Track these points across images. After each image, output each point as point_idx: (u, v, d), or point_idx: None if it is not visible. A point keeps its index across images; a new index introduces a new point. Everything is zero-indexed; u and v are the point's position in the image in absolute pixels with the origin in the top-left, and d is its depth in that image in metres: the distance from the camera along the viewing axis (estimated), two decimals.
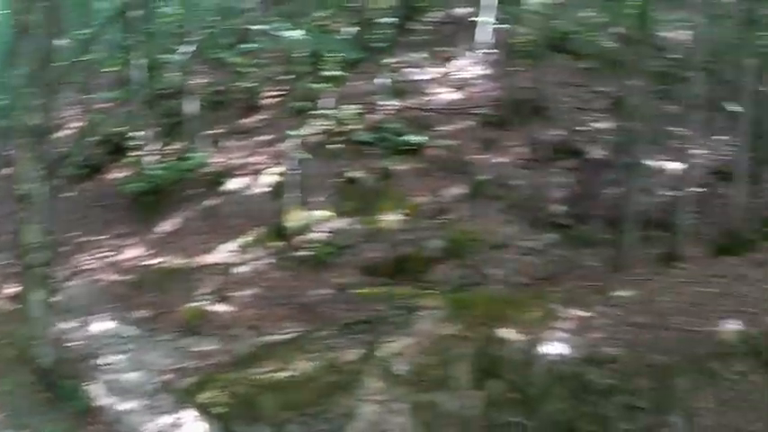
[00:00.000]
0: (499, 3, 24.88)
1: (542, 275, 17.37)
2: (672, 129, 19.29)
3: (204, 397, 13.86)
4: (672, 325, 13.65)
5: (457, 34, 25.99)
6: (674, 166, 18.75)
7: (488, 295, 16.05)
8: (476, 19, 25.30)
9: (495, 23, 24.94)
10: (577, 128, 21.42)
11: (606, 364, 13.00)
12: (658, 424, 12.34)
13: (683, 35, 21.52)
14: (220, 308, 17.07)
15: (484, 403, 13.01)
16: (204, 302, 17.20)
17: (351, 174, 20.54)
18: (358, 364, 13.66)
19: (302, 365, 13.95)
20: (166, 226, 20.38)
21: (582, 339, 13.57)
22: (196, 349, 15.79)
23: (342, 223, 19.11)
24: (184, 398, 14.00)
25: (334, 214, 19.41)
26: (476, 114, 22.45)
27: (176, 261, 18.82)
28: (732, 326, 13.48)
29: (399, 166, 20.67)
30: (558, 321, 14.04)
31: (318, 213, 19.36)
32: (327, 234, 18.83)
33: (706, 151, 19.52)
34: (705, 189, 18.66)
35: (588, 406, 12.67)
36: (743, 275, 15.12)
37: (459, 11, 27.05)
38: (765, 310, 13.80)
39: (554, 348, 13.37)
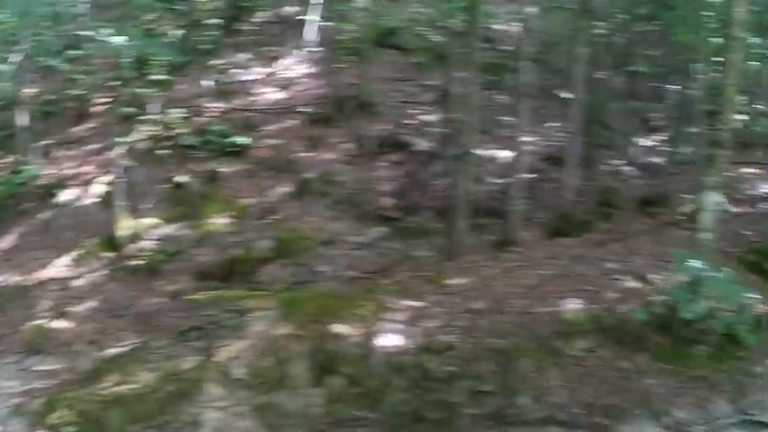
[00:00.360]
0: (326, 1, 24.30)
1: (374, 269, 16.72)
2: (502, 118, 19.25)
3: (54, 417, 12.75)
4: (510, 309, 13.49)
5: (284, 33, 25.30)
6: (505, 154, 18.65)
7: (320, 292, 15.42)
8: (303, 17, 24.63)
9: (321, 21, 24.32)
10: (404, 121, 21.03)
11: (445, 352, 12.67)
12: (507, 406, 11.96)
13: (514, 27, 21.34)
14: (61, 324, 15.76)
15: (325, 400, 12.48)
16: (45, 320, 15.87)
17: (178, 178, 19.40)
18: (197, 371, 12.90)
19: (144, 377, 13.07)
20: (2, 243, 18.80)
21: (418, 329, 13.21)
22: (42, 369, 14.62)
23: (171, 229, 18.09)
24: (36, 420, 12.95)
25: (162, 221, 18.32)
26: (301, 113, 21.70)
27: (14, 279, 17.32)
28: (573, 305, 13.36)
29: (226, 168, 19.77)
30: (391, 313, 13.63)
31: (147, 221, 18.24)
32: (157, 241, 17.77)
33: (538, 138, 19.70)
34: (538, 175, 18.61)
35: (432, 394, 12.28)
36: (580, 256, 15.16)
37: (288, 10, 26.32)
38: (605, 287, 13.84)
39: (390, 340, 12.97)
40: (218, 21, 24.50)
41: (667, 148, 19.97)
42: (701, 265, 12.40)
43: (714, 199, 13.26)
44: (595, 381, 12.10)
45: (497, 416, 11.83)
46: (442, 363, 12.50)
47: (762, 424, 11.67)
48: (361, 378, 12.57)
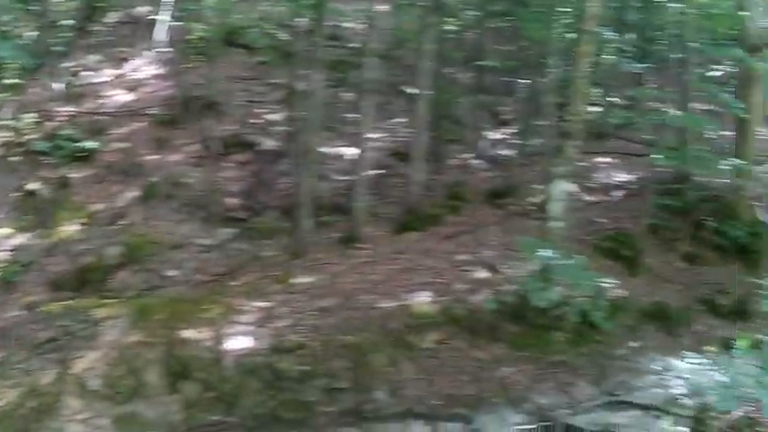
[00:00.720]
0: (177, 0, 23.46)
1: (222, 271, 16.14)
2: (348, 115, 18.91)
3: None
4: (359, 305, 13.31)
5: (135, 34, 24.38)
6: (351, 151, 18.21)
7: (170, 297, 14.94)
8: (154, 17, 23.81)
9: (172, 21, 23.45)
10: (251, 121, 20.53)
11: (296, 351, 12.49)
12: (363, 402, 11.77)
13: (363, 25, 21.02)
14: None
15: (182, 406, 12.24)
16: None
17: (30, 186, 18.55)
18: (56, 384, 12.51)
19: (6, 394, 12.53)
20: None
21: (267, 330, 13.05)
22: None
23: (23, 239, 17.22)
24: None
25: (15, 230, 17.45)
26: (149, 115, 20.89)
27: None
28: (423, 298, 13.19)
29: (76, 173, 18.91)
30: (241, 315, 13.47)
31: (0, 231, 17.37)
32: (11, 252, 16.87)
33: (384, 134, 19.45)
34: (384, 171, 18.44)
35: (286, 394, 12.12)
36: (429, 249, 15.00)
37: (140, 10, 25.32)
38: (455, 279, 13.74)
39: (240, 342, 12.72)
40: (72, 22, 23.70)
41: (517, 141, 19.83)
42: (551, 254, 12.25)
43: (563, 188, 13.18)
44: (451, 372, 11.95)
45: (354, 412, 11.56)
46: (295, 362, 12.28)
47: (628, 404, 11.68)
48: (215, 382, 12.39)
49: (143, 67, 23.10)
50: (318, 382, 12.03)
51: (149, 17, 24.35)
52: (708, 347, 12.32)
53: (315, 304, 13.46)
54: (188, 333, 12.99)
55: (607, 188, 18.97)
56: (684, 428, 9.48)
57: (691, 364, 9.65)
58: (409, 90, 19.00)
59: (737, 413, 9.10)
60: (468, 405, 11.43)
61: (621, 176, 19.58)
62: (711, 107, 20.98)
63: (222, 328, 13.06)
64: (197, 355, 12.59)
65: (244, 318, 13.33)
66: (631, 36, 21.78)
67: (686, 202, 17.06)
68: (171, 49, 22.99)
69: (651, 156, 15.88)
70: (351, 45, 21.98)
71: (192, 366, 12.48)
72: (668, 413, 10.63)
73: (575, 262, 12.57)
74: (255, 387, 12.25)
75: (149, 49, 23.48)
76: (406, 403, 11.55)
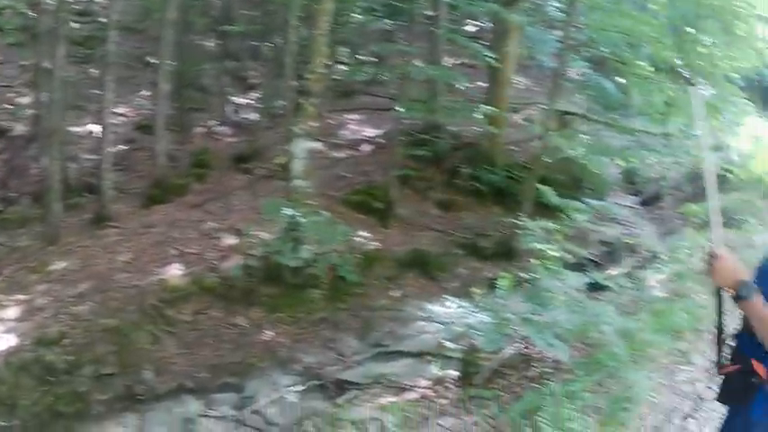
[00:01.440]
0: None
1: None
2: (95, 92, 17.97)
3: None
4: (115, 285, 12.67)
5: None
6: (99, 128, 17.36)
7: None
8: None
9: None
10: (2, 106, 19.61)
11: (60, 342, 11.58)
12: (133, 384, 10.97)
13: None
14: None
15: None
16: None
17: None
18: None
19: None
20: None
21: (31, 323, 12.11)
22: None
23: None
24: None
25: None
26: None
27: None
28: (176, 270, 12.84)
29: None
30: (2, 311, 12.48)
31: None
32: None
33: (130, 108, 19.21)
34: (131, 145, 18.15)
35: (61, 387, 11.05)
36: (177, 220, 14.72)
37: None
38: (206, 247, 13.53)
39: (6, 341, 11.75)
40: None
41: (262, 105, 19.74)
42: (295, 213, 12.19)
43: (305, 146, 13.02)
44: (214, 342, 11.63)
45: (127, 396, 10.86)
46: (61, 353, 11.43)
47: (397, 353, 11.60)
48: None
49: None
50: (86, 371, 11.26)
51: None
52: (473, 290, 12.65)
53: (72, 290, 12.80)
54: None
55: (356, 144, 19.21)
56: (454, 371, 9.53)
57: (455, 307, 9.71)
58: (153, 61, 18.57)
59: (509, 351, 9.23)
60: (236, 373, 11.06)
61: (370, 131, 19.90)
62: (465, 61, 21.58)
63: None
64: None
65: (6, 314, 12.50)
66: None
67: (438, 152, 17.40)
68: None
69: (396, 108, 15.97)
70: (101, 20, 21.03)
71: None
72: (438, 358, 10.68)
73: (320, 218, 12.66)
74: (29, 385, 11.20)
75: None
76: (174, 380, 11.02)
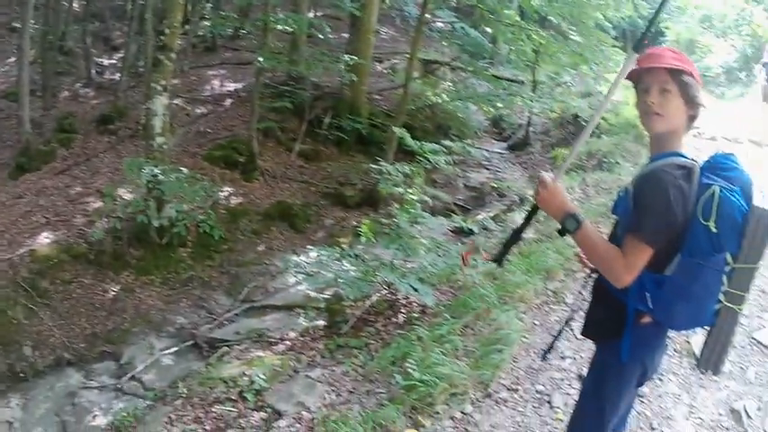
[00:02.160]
0: None
1: None
2: None
3: None
4: None
5: None
6: None
7: None
8: None
9: None
10: None
11: None
12: (16, 362, 10.36)
13: None
14: None
15: None
16: None
17: None
18: None
19: None
20: None
21: None
22: None
23: None
24: None
25: None
26: None
27: None
28: (45, 239, 12.39)
29: None
30: None
31: None
32: None
33: None
34: None
35: None
36: (44, 188, 14.29)
37: None
38: (73, 213, 13.16)
39: None
40: None
41: (126, 64, 19.28)
42: (156, 171, 11.91)
43: (163, 103, 12.73)
44: (88, 311, 11.31)
45: (10, 375, 10.24)
46: None
47: (267, 307, 11.60)
48: None
49: None
50: None
51: None
52: (339, 239, 12.60)
53: None
54: None
55: (219, 99, 18.94)
56: (322, 322, 9.52)
57: (321, 258, 9.64)
58: (17, 26, 17.98)
59: (374, 298, 9.24)
60: (112, 341, 10.84)
61: (233, 86, 19.67)
62: (328, 12, 21.40)
63: None
64: None
65: None
66: None
67: (300, 103, 17.24)
68: None
69: (257, 60, 15.75)
70: None
71: None
72: (306, 310, 10.65)
73: (182, 175, 12.47)
74: None
75: None
76: (53, 354, 10.62)
